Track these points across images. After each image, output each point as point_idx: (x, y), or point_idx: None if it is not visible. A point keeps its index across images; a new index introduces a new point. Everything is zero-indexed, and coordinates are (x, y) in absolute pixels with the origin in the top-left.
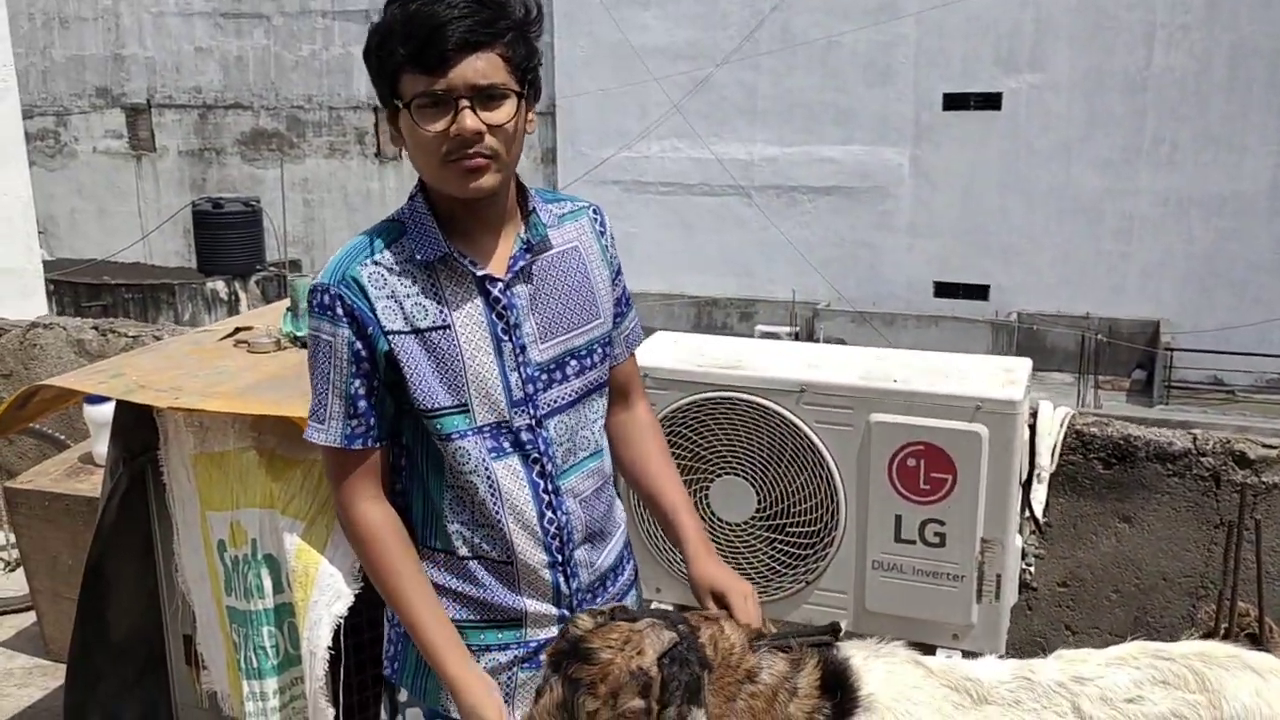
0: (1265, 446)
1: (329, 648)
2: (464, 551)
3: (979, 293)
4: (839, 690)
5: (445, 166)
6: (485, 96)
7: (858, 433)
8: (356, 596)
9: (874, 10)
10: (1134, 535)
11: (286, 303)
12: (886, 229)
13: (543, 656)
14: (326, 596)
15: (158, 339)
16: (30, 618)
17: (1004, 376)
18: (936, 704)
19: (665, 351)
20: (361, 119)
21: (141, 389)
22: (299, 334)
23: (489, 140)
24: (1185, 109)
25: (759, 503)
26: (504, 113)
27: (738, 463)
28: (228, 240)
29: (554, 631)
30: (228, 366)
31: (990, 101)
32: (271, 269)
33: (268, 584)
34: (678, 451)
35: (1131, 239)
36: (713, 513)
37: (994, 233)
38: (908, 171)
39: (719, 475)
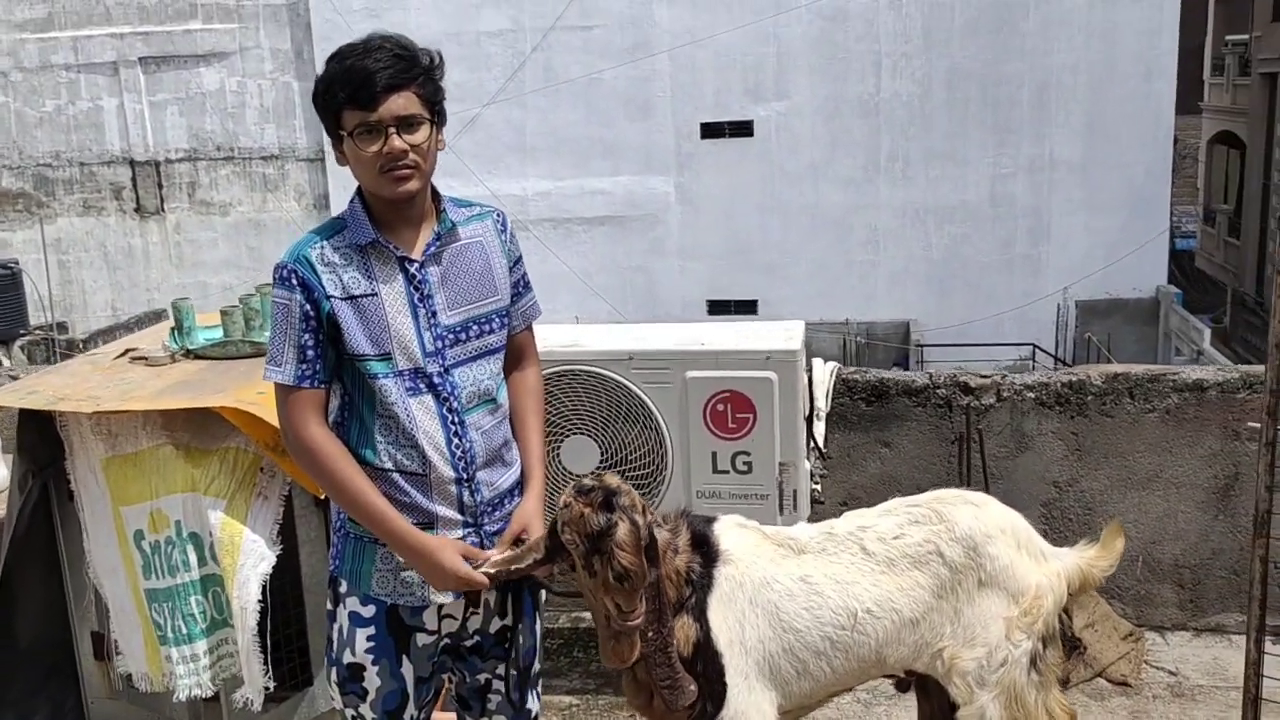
0: (981, 377)
1: (259, 601)
2: (389, 465)
3: (748, 307)
4: (705, 546)
5: (380, 176)
6: (406, 124)
7: (677, 388)
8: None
9: (630, 48)
10: (893, 457)
11: (169, 324)
12: (659, 253)
13: (580, 507)
14: (251, 559)
15: (14, 378)
16: None
17: (785, 334)
18: (770, 555)
19: None
20: (117, 174)
21: (62, 400)
22: (191, 347)
23: (411, 155)
24: (913, 129)
25: (601, 455)
26: (421, 135)
27: (581, 423)
28: None
29: (460, 534)
30: (133, 378)
31: (743, 129)
32: (37, 332)
33: (193, 559)
34: None
35: (878, 249)
36: (564, 467)
37: (756, 250)
38: (674, 198)
39: (568, 435)
